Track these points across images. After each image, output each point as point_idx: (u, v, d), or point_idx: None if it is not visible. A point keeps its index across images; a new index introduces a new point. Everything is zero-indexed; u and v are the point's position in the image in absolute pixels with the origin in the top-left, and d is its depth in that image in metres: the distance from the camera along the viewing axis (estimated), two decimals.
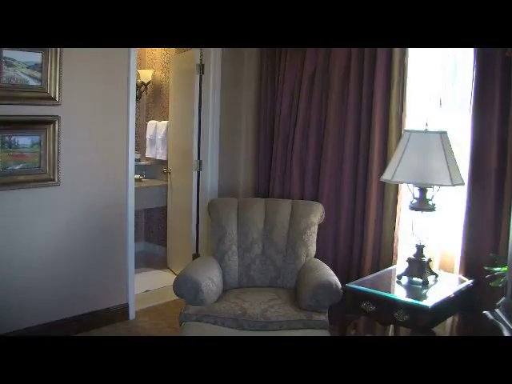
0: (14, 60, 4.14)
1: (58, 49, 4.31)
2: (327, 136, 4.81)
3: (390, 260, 4.45)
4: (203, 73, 5.72)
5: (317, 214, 4.56)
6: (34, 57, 4.24)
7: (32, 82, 4.27)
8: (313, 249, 4.49)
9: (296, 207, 4.62)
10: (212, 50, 5.55)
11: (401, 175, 3.77)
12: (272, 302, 4.00)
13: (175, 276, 4.17)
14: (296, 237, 4.48)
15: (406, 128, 4.28)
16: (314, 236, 4.51)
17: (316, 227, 4.53)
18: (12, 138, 4.24)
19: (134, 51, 4.97)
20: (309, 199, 4.89)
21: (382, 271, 4.27)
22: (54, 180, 4.50)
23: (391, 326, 4.32)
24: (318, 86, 4.88)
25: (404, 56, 4.33)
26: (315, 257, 4.49)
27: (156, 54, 7.33)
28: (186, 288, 3.98)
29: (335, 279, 3.93)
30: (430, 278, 3.88)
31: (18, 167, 4.30)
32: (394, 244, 4.46)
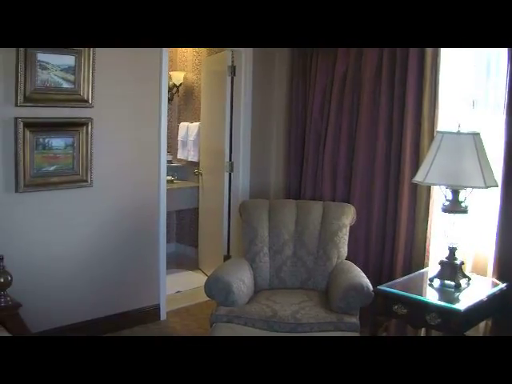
0: (48, 63, 4.19)
1: (91, 52, 4.36)
2: (359, 137, 4.79)
3: (422, 262, 4.40)
4: (235, 74, 5.74)
5: (348, 216, 4.54)
6: (68, 60, 4.28)
7: (65, 85, 4.32)
8: (344, 251, 4.47)
9: (327, 209, 4.60)
10: (243, 51, 5.56)
11: (433, 177, 3.73)
12: (303, 304, 3.99)
13: (206, 277, 4.18)
14: (327, 238, 4.46)
15: (438, 129, 4.23)
16: (346, 238, 4.49)
17: (347, 229, 4.51)
18: (46, 140, 4.30)
19: (166, 53, 4.99)
20: (340, 201, 4.87)
21: (413, 274, 4.22)
22: (86, 181, 4.55)
23: (423, 329, 4.28)
24: (349, 86, 4.86)
25: (436, 56, 4.28)
26: (346, 259, 4.47)
27: (188, 56, 7.36)
28: (217, 289, 3.99)
29: (366, 281, 3.91)
30: (463, 281, 3.82)
31: (51, 169, 4.35)
32: (426, 246, 4.41)
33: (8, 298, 3.35)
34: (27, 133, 4.16)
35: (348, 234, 4.52)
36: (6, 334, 2.90)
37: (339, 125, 4.96)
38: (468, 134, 3.70)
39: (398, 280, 4.11)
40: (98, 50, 4.39)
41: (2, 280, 3.32)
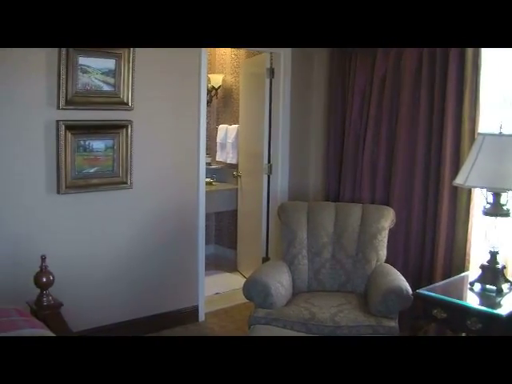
0: (88, 67, 4.25)
1: (131, 55, 4.40)
2: (398, 139, 4.75)
3: (463, 266, 4.34)
4: (273, 77, 5.74)
5: (388, 219, 4.50)
6: (108, 63, 4.34)
7: (106, 88, 4.38)
8: (383, 253, 4.43)
9: (366, 211, 4.57)
10: (282, 53, 5.56)
11: (474, 180, 3.67)
12: (341, 307, 3.97)
13: (245, 279, 4.19)
14: (366, 241, 4.44)
15: (479, 131, 4.17)
16: (385, 241, 4.46)
17: (387, 232, 4.48)
18: (87, 142, 4.35)
19: (205, 56, 5.02)
20: (379, 203, 4.84)
21: (453, 277, 4.17)
22: (126, 183, 4.59)
23: (463, 334, 4.22)
24: (388, 88, 4.83)
25: (477, 56, 4.22)
26: (385, 262, 4.43)
27: (226, 58, 7.39)
28: (255, 291, 4.00)
29: (406, 285, 3.87)
30: (505, 286, 3.75)
31: (92, 170, 4.40)
32: (467, 250, 4.35)
33: (50, 297, 3.39)
34: (69, 135, 4.23)
35: (387, 236, 4.48)
36: (48, 332, 2.94)
37: (378, 126, 4.93)
38: (510, 135, 3.64)
39: (437, 284, 4.07)
40: (137, 53, 4.44)
41: (45, 279, 3.36)
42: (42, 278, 3.36)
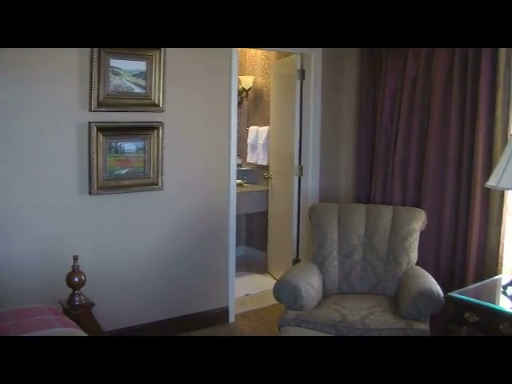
0: (120, 69, 4.29)
1: (162, 57, 4.43)
2: (429, 141, 4.71)
3: (495, 269, 4.28)
4: (304, 78, 5.73)
5: (419, 221, 4.46)
6: (139, 65, 4.37)
7: (137, 90, 4.41)
8: (414, 256, 4.39)
9: (397, 213, 4.54)
10: (312, 54, 5.54)
11: (507, 181, 3.61)
12: (372, 309, 3.95)
13: (275, 280, 4.19)
14: (397, 243, 4.40)
15: None
16: (416, 243, 4.42)
17: (418, 234, 4.44)
18: (118, 144, 4.39)
19: (236, 57, 5.03)
20: (410, 205, 4.80)
21: (486, 280, 4.10)
22: (157, 184, 4.62)
23: None
24: (419, 89, 4.78)
25: (510, 57, 4.16)
26: (416, 264, 4.39)
27: (257, 60, 7.40)
28: (285, 293, 4.00)
29: (437, 287, 3.83)
30: None
31: (123, 172, 4.44)
32: (499, 253, 4.28)
33: (82, 297, 3.43)
34: (100, 137, 4.27)
35: (418, 239, 4.44)
36: (81, 331, 2.97)
37: (409, 128, 4.88)
38: None
39: (469, 287, 4.01)
40: (168, 55, 4.47)
41: (77, 279, 3.40)
42: (74, 278, 3.40)
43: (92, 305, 3.45)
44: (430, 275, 4.12)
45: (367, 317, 3.83)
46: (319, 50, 5.54)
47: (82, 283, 3.42)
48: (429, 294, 3.77)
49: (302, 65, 5.76)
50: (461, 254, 4.51)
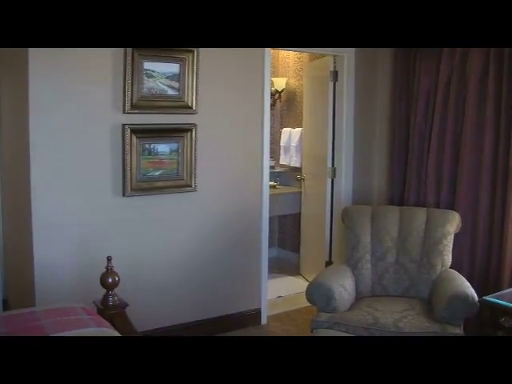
0: (153, 71, 4.32)
1: (195, 59, 4.45)
2: (464, 142, 4.65)
3: None
4: (337, 80, 5.71)
5: (453, 224, 4.42)
6: (173, 68, 4.40)
7: (170, 92, 4.44)
8: (448, 259, 4.34)
9: (431, 216, 4.49)
10: (345, 56, 5.53)
11: None
12: (405, 313, 3.91)
13: (307, 283, 4.18)
14: (431, 246, 4.36)
15: None
16: (450, 246, 4.37)
17: (452, 237, 4.39)
18: (152, 146, 4.42)
19: (269, 59, 5.04)
20: (445, 207, 4.75)
21: None
22: (191, 186, 4.64)
23: None
24: (454, 89, 4.74)
25: None
26: (450, 267, 4.34)
27: (289, 61, 7.39)
28: (318, 295, 3.99)
29: (471, 291, 3.78)
30: None
31: (157, 173, 4.47)
32: None
33: (116, 298, 3.45)
34: (134, 139, 4.30)
35: (452, 241, 4.40)
36: (114, 331, 3.00)
37: (444, 129, 4.83)
38: None
39: (505, 291, 3.95)
40: (201, 57, 4.49)
41: (110, 280, 3.42)
42: (108, 279, 3.42)
43: (126, 305, 3.47)
44: (464, 278, 4.07)
45: (400, 320, 3.80)
46: (352, 51, 5.51)
47: (115, 284, 3.45)
48: (463, 298, 3.73)
49: (334, 66, 5.74)
50: (496, 257, 4.45)
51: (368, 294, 4.39)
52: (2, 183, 4.95)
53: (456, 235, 4.46)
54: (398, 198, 5.31)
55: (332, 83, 5.78)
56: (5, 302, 5.08)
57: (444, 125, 4.83)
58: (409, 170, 5.16)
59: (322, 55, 6.02)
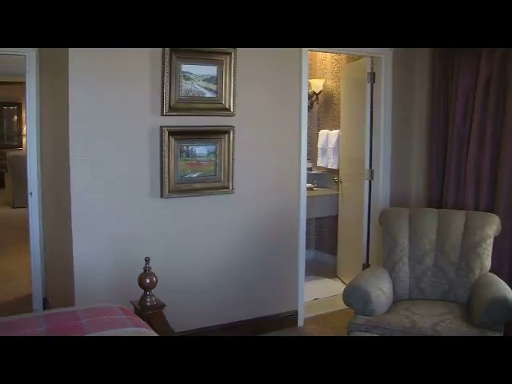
0: (191, 74, 4.35)
1: (232, 61, 4.47)
2: (504, 143, 4.59)
3: None
4: (374, 81, 5.68)
5: (492, 227, 4.35)
6: (210, 70, 4.43)
7: (208, 94, 4.46)
8: (487, 262, 4.29)
9: (470, 219, 4.44)
10: (383, 57, 5.50)
11: None
12: (443, 317, 3.87)
13: (344, 285, 4.17)
14: (470, 249, 4.31)
15: None
16: (489, 249, 4.31)
17: (491, 240, 4.33)
18: (189, 148, 4.45)
19: (306, 61, 5.03)
20: (484, 210, 4.69)
21: None
22: (228, 188, 4.66)
23: None
24: (493, 90, 4.67)
25: None
26: (490, 271, 4.28)
27: (327, 63, 7.37)
28: (355, 297, 3.97)
29: None
30: None
31: (194, 175, 4.50)
32: None
33: (153, 298, 3.48)
34: (172, 141, 4.33)
35: (492, 245, 4.33)
36: (152, 332, 3.02)
37: (483, 131, 4.77)
38: None
39: None
40: (238, 59, 4.51)
41: (148, 281, 3.45)
42: (146, 279, 3.45)
43: (163, 306, 3.50)
44: (504, 282, 4.01)
45: (438, 324, 3.76)
46: (390, 52, 5.48)
47: (153, 284, 3.47)
48: (503, 303, 3.67)
49: (372, 68, 5.72)
50: None
51: (405, 298, 4.35)
52: (43, 184, 5.04)
53: (496, 239, 4.40)
54: (437, 200, 5.25)
55: (369, 84, 5.75)
56: (44, 300, 5.17)
57: (483, 125, 4.77)
58: (447, 172, 5.11)
59: (360, 57, 6.00)
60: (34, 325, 2.91)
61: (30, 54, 4.83)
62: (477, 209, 4.78)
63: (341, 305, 4.30)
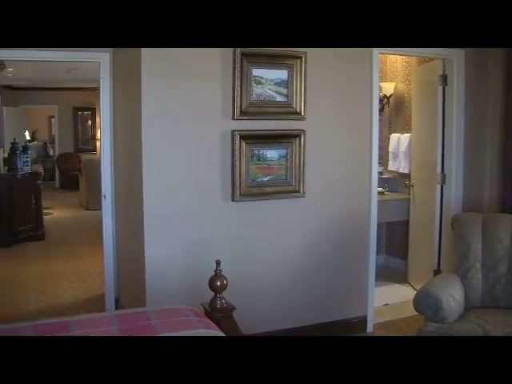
0: (262, 78, 4.38)
1: (303, 65, 4.50)
2: None
3: None
4: (446, 84, 5.59)
5: None
6: (281, 74, 4.46)
7: (279, 98, 4.49)
8: None
9: None
10: (455, 59, 5.40)
11: None
12: None
13: (415, 291, 4.12)
14: None
15: None
16: None
17: None
18: (261, 152, 4.48)
19: (377, 64, 4.99)
20: None
21: None
22: (299, 192, 4.67)
23: None
24: None
25: None
26: None
27: (397, 66, 7.29)
28: (426, 304, 3.92)
29: None
30: None
31: (266, 179, 4.53)
32: None
33: (223, 301, 3.51)
34: (243, 145, 4.38)
35: None
36: (221, 334, 3.06)
37: None
38: None
39: None
40: (308, 63, 4.52)
41: (219, 283, 3.48)
42: (217, 282, 3.48)
43: (233, 309, 3.52)
44: None
45: None
46: (462, 54, 5.38)
47: (223, 287, 3.50)
48: None
49: (443, 70, 5.62)
50: None
51: (478, 305, 4.26)
52: (116, 187, 5.16)
53: None
54: (511, 205, 5.12)
55: (441, 87, 5.66)
56: (116, 300, 5.30)
57: None
58: None
59: (431, 59, 5.92)
60: (108, 323, 3.00)
61: (104, 61, 4.96)
62: None
63: (411, 311, 4.25)
